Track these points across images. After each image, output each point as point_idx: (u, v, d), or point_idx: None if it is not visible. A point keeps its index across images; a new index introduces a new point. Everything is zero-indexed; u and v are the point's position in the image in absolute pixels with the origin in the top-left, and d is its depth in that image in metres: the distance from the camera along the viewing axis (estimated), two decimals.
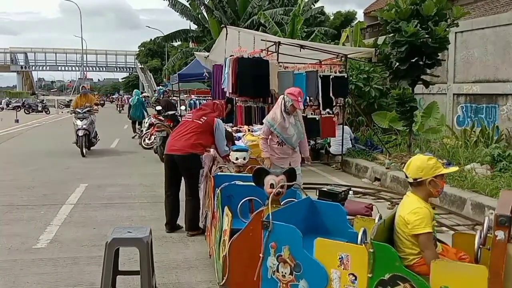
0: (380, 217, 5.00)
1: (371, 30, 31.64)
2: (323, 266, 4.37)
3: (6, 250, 7.81)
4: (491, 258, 3.80)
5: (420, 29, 13.49)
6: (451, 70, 19.28)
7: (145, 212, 10.22)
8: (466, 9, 15.46)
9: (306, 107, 16.29)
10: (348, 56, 17.26)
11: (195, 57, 29.74)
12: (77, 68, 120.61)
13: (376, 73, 19.88)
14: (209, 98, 25.83)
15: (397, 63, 14.41)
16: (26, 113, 55.21)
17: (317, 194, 9.29)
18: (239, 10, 39.69)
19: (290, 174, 5.61)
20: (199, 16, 42.53)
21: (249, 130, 14.62)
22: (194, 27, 46.98)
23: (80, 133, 18.77)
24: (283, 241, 4.64)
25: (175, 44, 56.35)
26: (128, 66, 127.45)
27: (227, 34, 17.24)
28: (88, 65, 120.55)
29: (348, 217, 5.68)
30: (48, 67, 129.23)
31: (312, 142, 18.22)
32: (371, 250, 4.14)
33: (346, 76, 16.48)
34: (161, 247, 7.90)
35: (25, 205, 10.80)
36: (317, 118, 15.85)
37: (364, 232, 4.39)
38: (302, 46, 16.37)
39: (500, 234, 3.72)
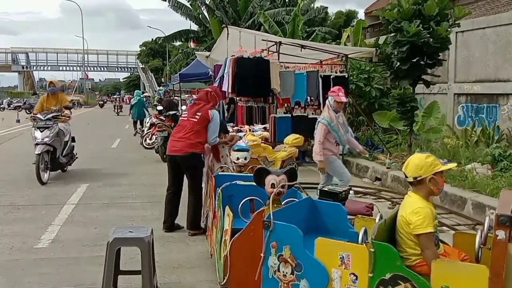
0: (381, 217, 5.01)
1: (372, 30, 31.61)
2: (324, 265, 4.38)
3: (8, 250, 7.82)
4: (492, 258, 3.80)
5: (422, 29, 13.49)
6: (451, 70, 19.27)
7: (146, 212, 10.22)
8: (467, 9, 15.44)
9: (307, 106, 16.33)
10: (349, 56, 17.30)
11: (196, 57, 29.79)
12: (78, 68, 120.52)
13: (377, 73, 19.88)
14: None
15: (398, 63, 14.41)
16: (28, 113, 55.15)
17: (318, 193, 9.29)
18: (240, 10, 39.66)
19: (291, 174, 5.62)
20: (200, 16, 42.52)
21: (250, 130, 14.65)
22: (194, 27, 47.04)
23: (38, 149, 13.24)
24: (284, 240, 4.65)
25: (177, 44, 56.31)
26: (129, 66, 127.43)
27: (228, 34, 17.27)
28: (89, 65, 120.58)
29: (349, 216, 5.68)
30: (49, 67, 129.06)
31: (313, 142, 18.26)
32: (372, 250, 4.15)
33: (346, 76, 16.53)
34: (162, 247, 7.90)
35: (26, 205, 10.82)
36: (318, 118, 15.86)
37: (365, 231, 4.39)
38: (303, 46, 16.42)
39: (501, 234, 3.73)
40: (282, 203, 5.51)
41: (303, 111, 16.08)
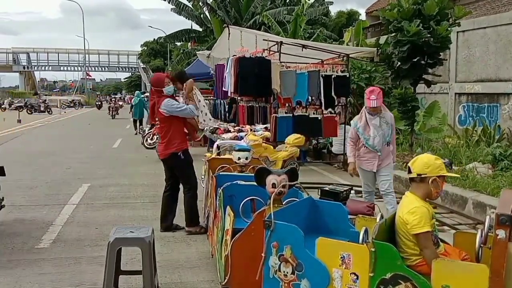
0: (382, 217, 5.02)
1: (373, 30, 31.63)
2: (325, 265, 4.38)
3: (9, 250, 7.82)
4: (492, 257, 3.81)
5: (422, 28, 13.51)
6: (452, 70, 19.28)
7: (147, 212, 10.23)
8: (468, 9, 15.48)
9: (308, 106, 16.33)
10: (350, 55, 17.30)
11: (197, 57, 29.78)
12: (79, 68, 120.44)
13: (378, 73, 19.88)
14: (212, 97, 25.86)
15: (399, 63, 14.44)
16: (29, 113, 55.30)
17: (319, 193, 9.29)
18: (242, 10, 39.65)
19: (292, 174, 5.62)
20: (202, 16, 42.51)
21: (251, 130, 14.64)
22: (196, 27, 47.01)
23: None
24: (285, 240, 4.65)
25: (178, 44, 56.24)
26: (130, 66, 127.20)
27: (229, 33, 17.27)
28: (90, 65, 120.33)
29: (349, 216, 5.69)
30: (50, 67, 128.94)
31: (314, 142, 18.28)
32: (373, 249, 4.15)
33: (348, 76, 16.52)
34: (163, 246, 7.91)
35: (27, 205, 10.83)
36: (319, 118, 15.91)
37: (366, 231, 4.39)
38: (304, 46, 16.42)
39: (501, 233, 3.73)
40: (283, 203, 5.52)
41: (304, 111, 16.08)
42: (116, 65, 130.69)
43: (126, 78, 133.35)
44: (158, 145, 9.22)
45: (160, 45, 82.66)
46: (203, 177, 9.97)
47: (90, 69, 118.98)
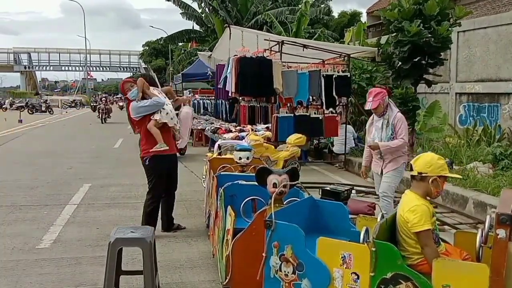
0: (382, 216, 5.02)
1: (374, 30, 31.65)
2: (326, 265, 4.38)
3: (9, 250, 7.82)
4: (493, 257, 3.81)
5: (423, 28, 13.52)
6: (453, 70, 19.29)
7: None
8: (468, 9, 15.47)
9: (309, 106, 16.34)
10: (351, 55, 17.30)
11: (198, 57, 29.82)
12: (80, 68, 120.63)
13: (379, 73, 19.90)
14: (213, 97, 25.89)
15: (400, 63, 14.45)
16: (30, 113, 55.27)
17: (320, 193, 9.31)
18: (242, 10, 39.67)
19: (293, 174, 5.63)
20: (203, 16, 42.53)
21: (252, 129, 14.65)
22: (197, 27, 47.04)
23: None
24: (286, 240, 4.66)
25: (179, 44, 56.28)
26: (131, 66, 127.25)
27: (230, 33, 17.28)
28: (91, 65, 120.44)
29: (350, 216, 5.70)
30: (51, 67, 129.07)
31: (315, 141, 18.29)
32: (373, 249, 4.15)
33: (349, 76, 16.53)
34: (164, 246, 7.91)
35: (28, 205, 10.82)
36: (320, 118, 15.91)
37: (367, 231, 4.40)
38: (305, 46, 16.42)
39: (502, 233, 3.73)
40: (284, 203, 5.52)
41: (305, 111, 16.07)
42: (117, 65, 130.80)
43: (127, 78, 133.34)
44: None
45: (162, 45, 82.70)
46: (204, 177, 9.99)
47: (91, 69, 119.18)
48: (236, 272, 5.35)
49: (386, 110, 8.37)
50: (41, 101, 68.23)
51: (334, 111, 16.53)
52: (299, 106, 16.36)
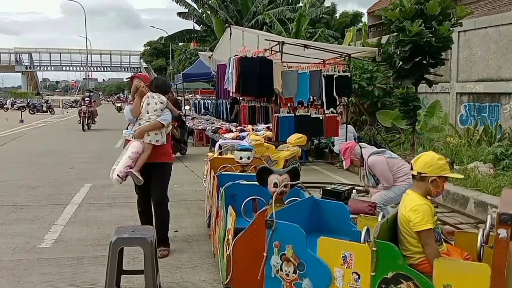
0: (383, 216, 5.02)
1: (375, 30, 31.68)
2: (327, 264, 4.39)
3: (11, 250, 7.83)
4: (494, 256, 3.81)
5: (424, 28, 13.52)
6: (454, 69, 19.27)
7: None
8: (469, 9, 15.47)
9: (309, 106, 16.34)
10: (352, 55, 17.31)
11: (199, 57, 29.81)
12: (81, 68, 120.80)
13: (380, 73, 19.90)
14: (214, 98, 25.87)
15: (401, 62, 14.45)
16: (31, 113, 55.29)
17: (321, 193, 9.31)
18: (243, 9, 39.69)
19: (294, 174, 5.63)
20: (203, 16, 42.57)
21: (253, 129, 14.65)
22: (197, 27, 47.08)
23: None
24: (287, 240, 4.66)
25: (180, 44, 56.23)
26: (132, 66, 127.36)
27: (231, 33, 17.27)
28: (92, 65, 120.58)
29: (351, 216, 5.70)
30: (52, 67, 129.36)
31: (316, 141, 18.29)
32: (374, 249, 4.16)
33: (349, 76, 16.54)
34: None
35: (29, 205, 10.83)
36: (321, 117, 15.92)
37: (367, 230, 4.39)
38: (306, 46, 16.42)
39: (503, 232, 3.74)
40: (285, 203, 5.53)
41: (306, 111, 16.08)
42: (118, 65, 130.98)
43: (128, 78, 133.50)
44: None
45: (163, 45, 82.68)
46: (205, 176, 9.99)
47: (92, 69, 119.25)
48: (237, 272, 5.35)
49: (363, 159, 8.36)
50: (42, 101, 68.22)
51: (334, 111, 16.53)
52: (300, 106, 16.36)
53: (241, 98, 17.40)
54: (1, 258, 7.42)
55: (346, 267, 4.30)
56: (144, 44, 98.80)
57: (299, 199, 5.91)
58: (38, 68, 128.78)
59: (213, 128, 18.35)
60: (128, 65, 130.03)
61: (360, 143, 8.71)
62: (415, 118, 14.91)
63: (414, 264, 4.45)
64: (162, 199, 7.77)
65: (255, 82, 15.39)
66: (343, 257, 4.31)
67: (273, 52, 16.17)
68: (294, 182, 5.58)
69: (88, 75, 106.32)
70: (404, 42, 13.85)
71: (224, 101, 23.79)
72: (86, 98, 34.17)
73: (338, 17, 52.18)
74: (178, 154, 17.73)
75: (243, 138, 14.22)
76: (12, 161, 17.41)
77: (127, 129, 8.00)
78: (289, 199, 5.77)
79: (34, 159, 17.72)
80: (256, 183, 5.75)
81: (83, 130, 31.44)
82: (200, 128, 22.29)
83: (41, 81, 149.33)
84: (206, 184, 9.13)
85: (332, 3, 40.30)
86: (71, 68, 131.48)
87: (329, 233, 5.19)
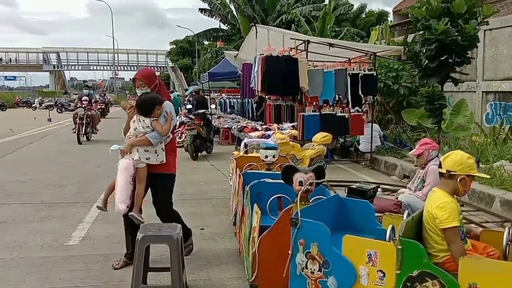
0: (408, 214, 5.02)
1: (400, 28, 31.51)
2: (352, 263, 4.40)
3: (39, 247, 7.92)
4: None
5: (450, 27, 13.45)
6: (480, 68, 19.17)
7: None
8: (495, 7, 15.37)
9: (335, 105, 16.32)
10: (377, 54, 17.25)
11: (224, 56, 29.86)
12: (108, 68, 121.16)
13: (405, 71, 19.83)
14: (239, 96, 25.91)
15: (427, 61, 14.39)
16: (59, 112, 55.58)
17: (346, 191, 9.30)
18: (268, 8, 39.69)
19: (319, 172, 5.65)
20: (229, 15, 42.61)
21: (278, 128, 14.66)
22: (223, 26, 47.13)
23: None
24: (312, 238, 4.68)
25: (206, 42, 56.24)
26: (159, 65, 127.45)
27: (256, 32, 17.30)
28: (119, 64, 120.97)
29: (376, 214, 5.70)
30: (80, 67, 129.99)
31: (341, 140, 18.26)
32: (399, 247, 4.16)
33: (375, 74, 16.47)
34: None
35: (57, 203, 10.94)
36: (346, 116, 15.89)
37: (392, 229, 4.39)
38: (331, 45, 16.40)
39: None
40: (310, 201, 5.54)
41: (331, 110, 16.05)
42: (145, 65, 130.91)
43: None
44: None
45: (189, 44, 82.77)
46: (230, 175, 10.03)
47: (119, 68, 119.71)
48: (262, 270, 5.38)
49: (428, 162, 8.37)
50: (70, 100, 68.51)
51: (360, 110, 16.50)
52: (325, 105, 16.34)
53: (266, 96, 17.41)
54: (30, 255, 7.52)
55: (371, 265, 4.32)
56: (170, 42, 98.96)
57: (324, 198, 5.92)
58: (65, 67, 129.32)
59: (238, 126, 18.40)
60: (155, 64, 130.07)
61: (439, 154, 8.62)
62: (440, 116, 14.83)
63: (439, 263, 4.46)
64: (165, 209, 7.43)
65: (280, 81, 15.40)
66: (368, 255, 4.32)
67: (298, 51, 16.17)
68: (319, 181, 5.60)
69: (115, 74, 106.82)
70: (430, 40, 13.79)
71: (249, 100, 23.79)
72: (84, 98, 24.48)
73: (364, 16, 52.03)
74: (204, 152, 17.81)
75: (268, 136, 14.23)
76: (40, 159, 17.54)
77: None
78: (314, 198, 5.78)
79: (61, 158, 17.85)
80: (282, 181, 5.78)
81: (79, 142, 22.56)
82: (226, 126, 22.34)
83: (68, 80, 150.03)
84: (232, 182, 9.17)
85: (361, 3, 40.25)
86: (98, 68, 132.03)
87: (354, 231, 5.19)
